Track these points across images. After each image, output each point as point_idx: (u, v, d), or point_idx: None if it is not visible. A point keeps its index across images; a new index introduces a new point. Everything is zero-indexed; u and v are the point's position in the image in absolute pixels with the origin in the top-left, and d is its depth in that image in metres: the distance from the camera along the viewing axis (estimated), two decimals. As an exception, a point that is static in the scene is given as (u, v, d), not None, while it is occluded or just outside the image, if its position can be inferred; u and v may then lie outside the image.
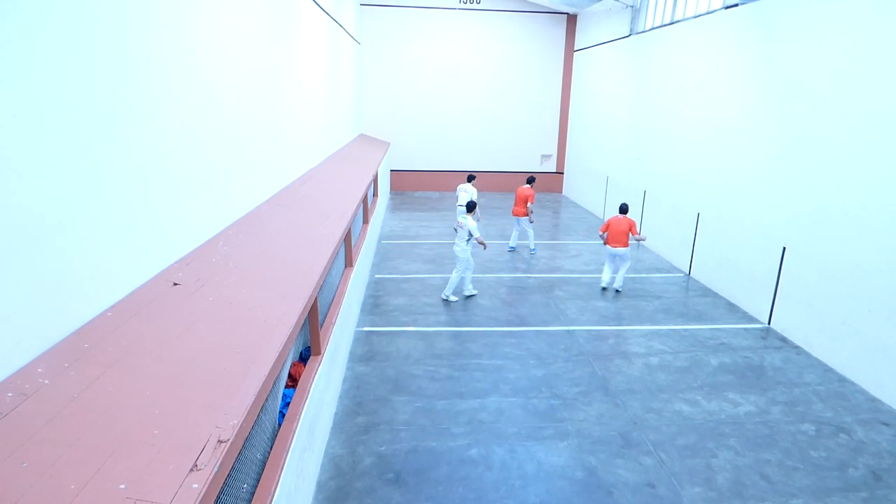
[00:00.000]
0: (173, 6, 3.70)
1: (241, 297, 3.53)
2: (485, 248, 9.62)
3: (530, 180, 12.24)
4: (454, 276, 8.97)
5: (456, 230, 8.99)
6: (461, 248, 8.86)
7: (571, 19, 18.56)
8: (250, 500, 2.97)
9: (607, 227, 9.40)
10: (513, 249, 12.07)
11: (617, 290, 9.57)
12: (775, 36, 8.33)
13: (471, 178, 12.69)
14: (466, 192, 12.29)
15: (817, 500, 4.67)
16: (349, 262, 7.41)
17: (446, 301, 8.94)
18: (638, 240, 9.36)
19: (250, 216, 5.25)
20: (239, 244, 4.42)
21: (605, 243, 9.49)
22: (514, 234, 12.13)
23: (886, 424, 5.81)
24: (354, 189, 8.66)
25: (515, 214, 11.90)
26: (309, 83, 8.73)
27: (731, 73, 9.50)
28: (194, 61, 4.06)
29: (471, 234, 8.73)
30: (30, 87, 2.32)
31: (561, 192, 19.92)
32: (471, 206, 9.21)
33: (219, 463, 2.03)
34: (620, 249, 9.32)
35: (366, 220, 10.05)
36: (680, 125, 11.30)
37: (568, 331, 7.98)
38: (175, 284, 3.35)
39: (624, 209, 9.56)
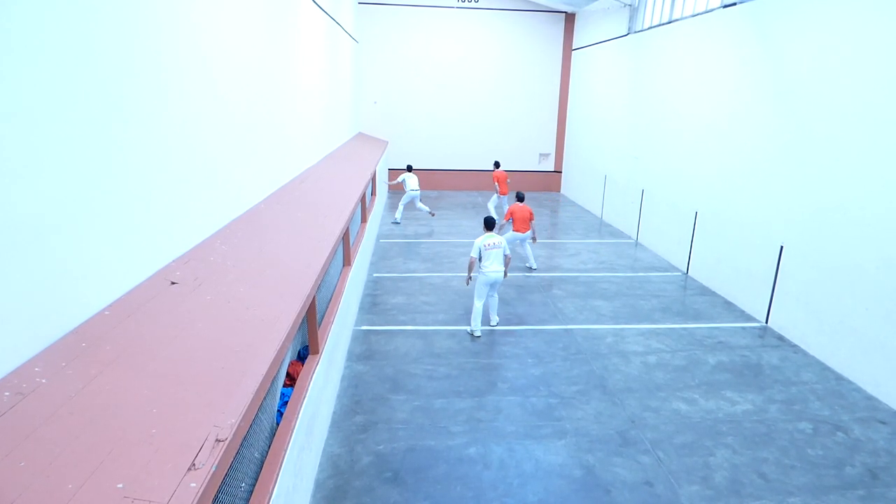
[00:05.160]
0: (174, 4, 3.69)
1: (239, 295, 3.52)
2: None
3: (497, 164, 15.37)
4: (495, 300, 8.00)
5: (481, 254, 7.57)
6: (502, 271, 7.63)
7: (570, 18, 18.55)
8: (248, 499, 2.97)
9: (512, 214, 10.23)
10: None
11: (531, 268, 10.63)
12: (773, 34, 8.34)
13: (410, 168, 15.22)
14: (412, 177, 14.88)
15: (814, 498, 4.69)
16: (347, 261, 7.41)
17: (493, 328, 7.92)
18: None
19: (248, 215, 5.24)
20: (237, 243, 4.41)
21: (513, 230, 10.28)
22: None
23: (883, 423, 5.83)
24: (352, 188, 8.65)
25: (503, 193, 14.82)
26: (307, 82, 8.72)
27: (729, 71, 9.51)
28: (196, 60, 4.05)
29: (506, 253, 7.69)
30: (29, 84, 2.31)
31: (559, 191, 19.93)
32: (490, 223, 7.87)
33: (217, 462, 2.03)
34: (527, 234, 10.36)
35: (364, 219, 10.05)
36: (678, 124, 11.31)
37: (566, 329, 7.99)
38: (173, 283, 3.35)
39: (521, 197, 10.52)
